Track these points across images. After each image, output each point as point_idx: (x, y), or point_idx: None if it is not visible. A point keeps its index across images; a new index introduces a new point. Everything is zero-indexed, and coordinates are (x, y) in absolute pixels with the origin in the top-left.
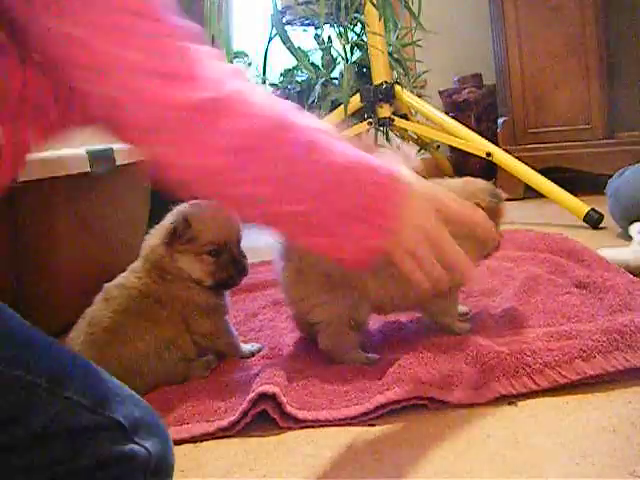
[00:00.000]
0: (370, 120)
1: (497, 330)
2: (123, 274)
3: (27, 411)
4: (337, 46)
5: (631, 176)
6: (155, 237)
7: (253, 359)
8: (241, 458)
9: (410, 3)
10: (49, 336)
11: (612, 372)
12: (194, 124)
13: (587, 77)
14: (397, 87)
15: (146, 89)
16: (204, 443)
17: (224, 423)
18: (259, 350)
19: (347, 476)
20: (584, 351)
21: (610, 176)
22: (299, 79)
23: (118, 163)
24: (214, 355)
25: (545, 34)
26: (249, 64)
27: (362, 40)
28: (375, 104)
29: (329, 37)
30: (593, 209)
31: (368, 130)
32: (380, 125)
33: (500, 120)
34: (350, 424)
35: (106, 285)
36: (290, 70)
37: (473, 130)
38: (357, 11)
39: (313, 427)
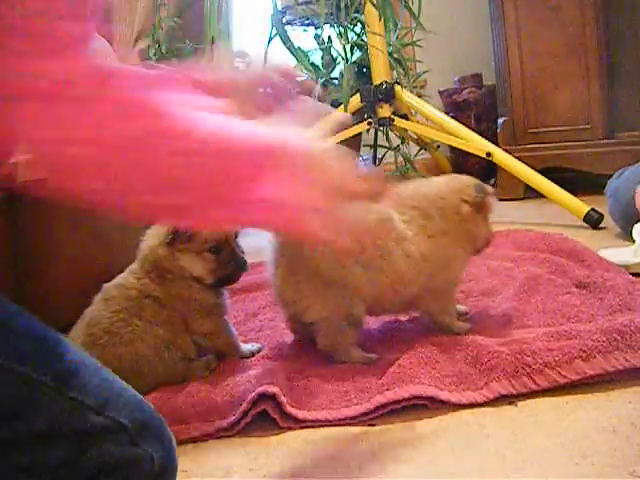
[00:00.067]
0: (370, 120)
1: (497, 330)
2: (122, 275)
3: (31, 408)
4: (337, 46)
5: (631, 176)
6: (154, 238)
7: (253, 359)
8: (241, 458)
9: (410, 3)
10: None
11: (612, 372)
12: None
13: (587, 77)
14: (397, 87)
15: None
16: (204, 443)
17: (224, 423)
18: (259, 350)
19: (347, 476)
20: (584, 351)
21: (610, 176)
22: (299, 79)
23: None
24: (214, 355)
25: (545, 34)
26: (249, 64)
27: (362, 40)
28: (375, 104)
29: (329, 37)
30: (593, 209)
31: (368, 130)
32: (380, 125)
33: (500, 120)
34: (350, 424)
35: (105, 285)
36: None
37: (473, 130)
38: (357, 11)
39: (313, 427)
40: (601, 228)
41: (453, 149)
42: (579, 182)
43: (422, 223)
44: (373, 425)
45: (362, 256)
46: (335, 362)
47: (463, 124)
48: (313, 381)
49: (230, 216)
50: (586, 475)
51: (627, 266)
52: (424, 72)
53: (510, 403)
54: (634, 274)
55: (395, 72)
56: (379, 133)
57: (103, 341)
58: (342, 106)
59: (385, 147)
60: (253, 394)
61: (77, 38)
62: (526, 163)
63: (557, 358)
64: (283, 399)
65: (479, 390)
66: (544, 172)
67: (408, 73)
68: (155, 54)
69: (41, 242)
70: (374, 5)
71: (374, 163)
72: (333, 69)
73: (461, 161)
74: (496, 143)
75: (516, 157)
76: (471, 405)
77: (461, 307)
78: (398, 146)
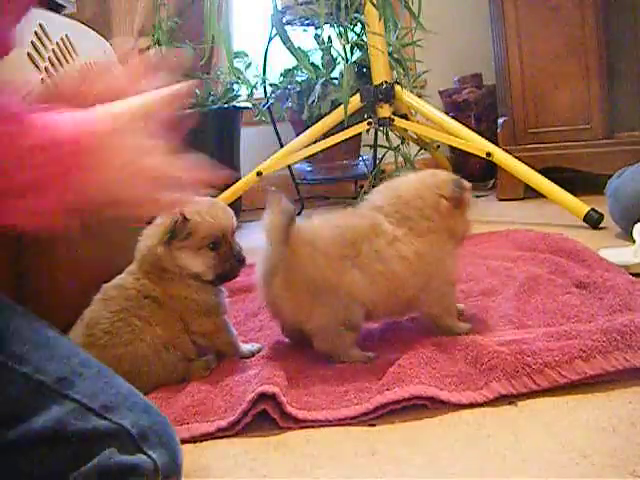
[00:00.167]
0: (370, 120)
1: (497, 330)
2: (121, 275)
3: (34, 410)
4: (337, 46)
5: (631, 176)
6: (151, 237)
7: (253, 359)
8: (241, 458)
9: (410, 3)
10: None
11: (612, 372)
12: None
13: (587, 77)
14: (397, 87)
15: None
16: (204, 443)
17: (224, 423)
18: (259, 350)
19: (347, 476)
20: (584, 351)
21: (610, 176)
22: (299, 79)
23: None
24: (214, 355)
25: (545, 34)
26: (249, 64)
27: (362, 40)
28: (375, 104)
29: (329, 37)
30: (593, 209)
31: (368, 130)
32: (380, 125)
33: (500, 120)
34: (350, 424)
35: (104, 286)
36: (290, 70)
37: (473, 130)
38: (357, 11)
39: (313, 427)
40: (601, 228)
41: (453, 149)
42: (579, 182)
43: (409, 224)
44: (373, 425)
45: (357, 261)
46: (334, 362)
47: (463, 124)
48: (313, 381)
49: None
50: (586, 475)
51: (627, 266)
52: (424, 72)
53: (510, 403)
54: (634, 274)
55: (395, 72)
56: (379, 133)
57: (102, 341)
58: (342, 106)
59: (385, 147)
60: (253, 394)
61: None
62: (526, 163)
63: (557, 358)
64: (283, 399)
65: (479, 390)
66: (544, 172)
67: (408, 73)
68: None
69: (41, 242)
70: (374, 5)
71: (374, 163)
72: (333, 69)
73: (461, 161)
74: (496, 143)
75: (516, 157)
76: (471, 405)
77: (459, 305)
78: (398, 146)
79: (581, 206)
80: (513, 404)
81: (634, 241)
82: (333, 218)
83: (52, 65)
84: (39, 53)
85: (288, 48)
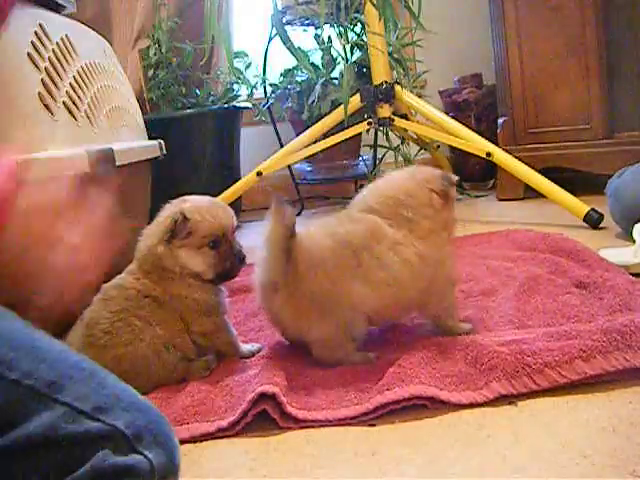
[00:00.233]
0: (370, 120)
1: (497, 330)
2: (121, 275)
3: (24, 416)
4: (337, 46)
5: (631, 176)
6: (151, 237)
7: (253, 359)
8: (241, 458)
9: (410, 3)
10: (54, 339)
11: (612, 372)
12: None
13: (587, 77)
14: (397, 87)
15: None
16: (204, 443)
17: (224, 423)
18: (259, 350)
19: (347, 476)
20: (584, 351)
21: (610, 176)
22: (299, 79)
23: (118, 163)
24: (214, 355)
25: (545, 34)
26: (249, 64)
27: (362, 40)
28: (375, 104)
29: (329, 37)
30: (593, 209)
31: (368, 130)
32: (380, 125)
33: (500, 120)
34: (350, 424)
35: (104, 286)
36: (290, 70)
37: (473, 130)
38: (357, 11)
39: (313, 427)
40: (601, 228)
41: (453, 149)
42: (579, 182)
43: (408, 226)
44: (373, 425)
45: (359, 271)
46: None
47: (463, 124)
48: (313, 381)
49: None
50: (586, 475)
51: (627, 266)
52: (424, 72)
53: (510, 403)
54: (634, 274)
55: (395, 72)
56: (379, 133)
57: (102, 341)
58: (342, 106)
59: (385, 147)
60: (253, 394)
61: None
62: (526, 163)
63: (557, 358)
64: (283, 399)
65: (479, 390)
66: (544, 172)
67: (408, 73)
68: (155, 54)
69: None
70: (374, 5)
71: (374, 163)
72: (333, 69)
73: (461, 161)
74: (496, 143)
75: (516, 157)
76: (471, 405)
77: None
78: (398, 146)
79: (581, 206)
80: (513, 404)
81: (634, 241)
82: (330, 226)
83: (52, 65)
84: (39, 53)
85: (288, 48)
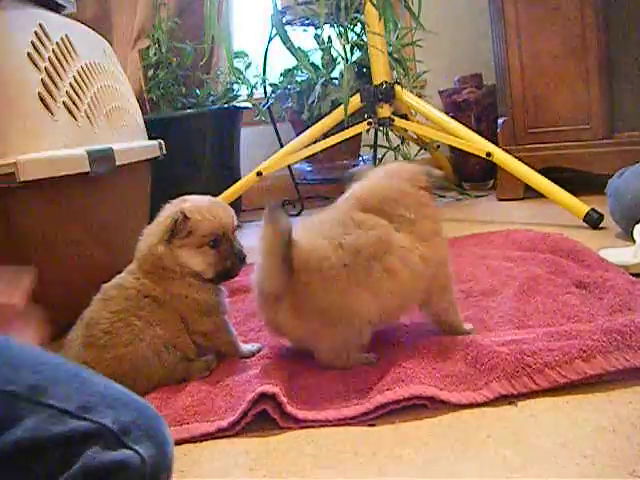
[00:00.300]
0: (370, 120)
1: (497, 330)
2: (120, 275)
3: (10, 422)
4: (337, 46)
5: (631, 176)
6: (151, 237)
7: (253, 359)
8: (241, 458)
9: (410, 3)
10: (31, 345)
11: (612, 372)
12: None
13: (587, 77)
14: (397, 87)
15: None
16: (204, 443)
17: (224, 423)
18: (259, 350)
19: (347, 476)
20: (584, 351)
21: (610, 176)
22: (299, 79)
23: (118, 163)
24: (214, 355)
25: (545, 34)
26: (249, 64)
27: (362, 40)
28: (375, 104)
29: (329, 37)
30: (593, 209)
31: (368, 130)
32: (380, 125)
33: (500, 120)
34: (350, 424)
35: (104, 286)
36: (290, 70)
37: (473, 130)
38: (357, 11)
39: (313, 427)
40: (601, 228)
41: (453, 149)
42: (579, 182)
43: (410, 229)
44: (373, 425)
45: (368, 282)
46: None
47: (463, 124)
48: (313, 381)
49: None
50: (586, 475)
51: (627, 267)
52: (424, 72)
53: (510, 403)
54: (634, 274)
55: (395, 72)
56: (379, 133)
57: (102, 341)
58: (342, 106)
59: (385, 147)
60: (253, 394)
61: None
62: (526, 163)
63: (557, 358)
64: (283, 399)
65: (479, 390)
66: (544, 172)
67: (408, 73)
68: (155, 54)
69: (41, 242)
70: (374, 5)
71: (374, 163)
72: (333, 69)
73: (461, 161)
74: (496, 143)
75: (516, 157)
76: (471, 405)
77: None
78: (398, 146)
79: (581, 206)
80: (513, 404)
81: (634, 241)
82: (334, 232)
83: (52, 65)
84: (39, 53)
85: (288, 48)
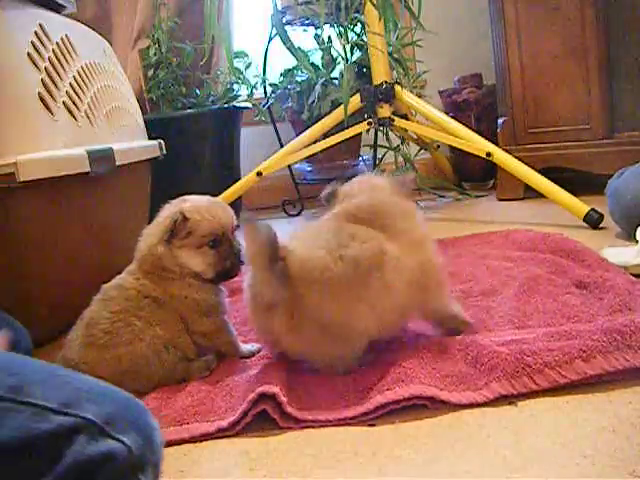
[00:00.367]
0: (370, 120)
1: (497, 330)
2: (120, 275)
3: None
4: (337, 46)
5: (631, 176)
6: (151, 237)
7: (253, 359)
8: (241, 458)
9: (410, 3)
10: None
11: (612, 372)
12: None
13: (587, 77)
14: (397, 87)
15: None
16: (204, 443)
17: (224, 423)
18: (259, 350)
19: (347, 476)
20: (584, 351)
21: (610, 176)
22: (299, 79)
23: (118, 163)
24: (214, 355)
25: (545, 34)
26: (249, 64)
27: (362, 40)
28: (375, 104)
29: (329, 37)
30: (593, 209)
31: (368, 130)
32: (380, 125)
33: (500, 120)
34: (350, 424)
35: (104, 286)
36: (290, 70)
37: (473, 130)
38: (357, 11)
39: (313, 427)
40: (601, 228)
41: (453, 149)
42: (579, 182)
43: (403, 238)
44: (373, 425)
45: (367, 297)
46: None
47: (463, 124)
48: (313, 381)
49: None
50: (586, 475)
51: (626, 267)
52: (424, 72)
53: (510, 403)
54: (634, 274)
55: (395, 72)
56: (379, 133)
57: (102, 341)
58: (342, 106)
59: (385, 147)
60: (253, 394)
61: None
62: (526, 163)
63: (557, 358)
64: (283, 399)
65: (479, 390)
66: (544, 172)
67: (408, 73)
68: (155, 54)
69: (41, 242)
70: (374, 5)
71: (374, 163)
72: (333, 69)
73: (461, 161)
74: (496, 143)
75: (516, 157)
76: (471, 405)
77: None
78: (398, 146)
79: (581, 206)
80: (513, 404)
81: (637, 242)
82: (330, 243)
83: (52, 65)
84: (39, 53)
85: (288, 48)
